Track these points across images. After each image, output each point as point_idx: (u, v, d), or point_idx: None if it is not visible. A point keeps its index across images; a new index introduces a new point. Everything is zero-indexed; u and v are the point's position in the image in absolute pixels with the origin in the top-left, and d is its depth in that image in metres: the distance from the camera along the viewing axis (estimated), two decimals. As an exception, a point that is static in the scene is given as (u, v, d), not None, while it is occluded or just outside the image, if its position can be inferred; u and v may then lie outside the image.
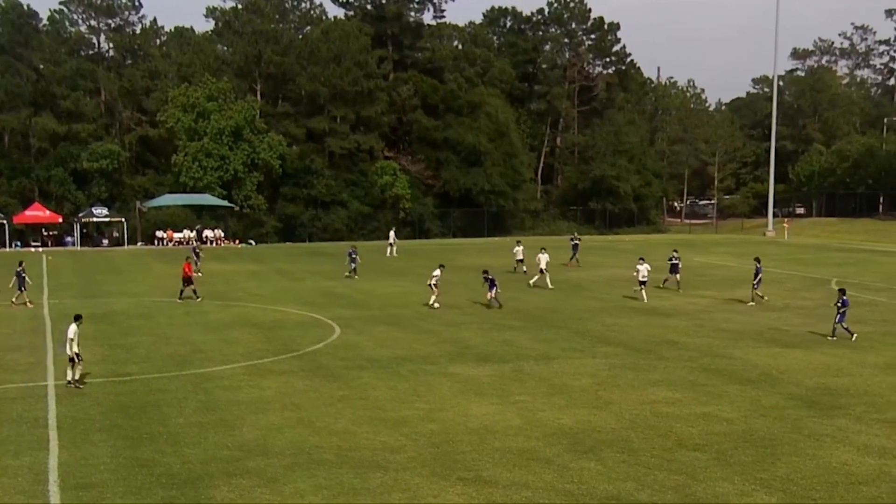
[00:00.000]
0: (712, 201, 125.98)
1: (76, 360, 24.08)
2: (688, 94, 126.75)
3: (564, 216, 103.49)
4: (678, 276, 45.96)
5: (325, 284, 48.83)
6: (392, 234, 72.74)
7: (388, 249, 69.28)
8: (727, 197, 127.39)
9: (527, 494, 16.26)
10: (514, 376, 25.58)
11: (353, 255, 52.42)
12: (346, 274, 51.97)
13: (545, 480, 16.93)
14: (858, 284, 47.92)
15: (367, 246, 79.64)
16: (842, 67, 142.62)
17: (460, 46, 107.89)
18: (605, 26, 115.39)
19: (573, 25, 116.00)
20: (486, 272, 40.96)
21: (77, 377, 24.17)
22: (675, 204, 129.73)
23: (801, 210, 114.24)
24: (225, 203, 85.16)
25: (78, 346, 24.17)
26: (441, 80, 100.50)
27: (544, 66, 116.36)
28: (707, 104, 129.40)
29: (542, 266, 47.11)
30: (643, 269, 41.99)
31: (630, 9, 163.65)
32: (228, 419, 21.02)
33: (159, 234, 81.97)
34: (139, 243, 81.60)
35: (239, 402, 22.63)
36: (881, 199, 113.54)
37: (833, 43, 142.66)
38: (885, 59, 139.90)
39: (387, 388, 24.02)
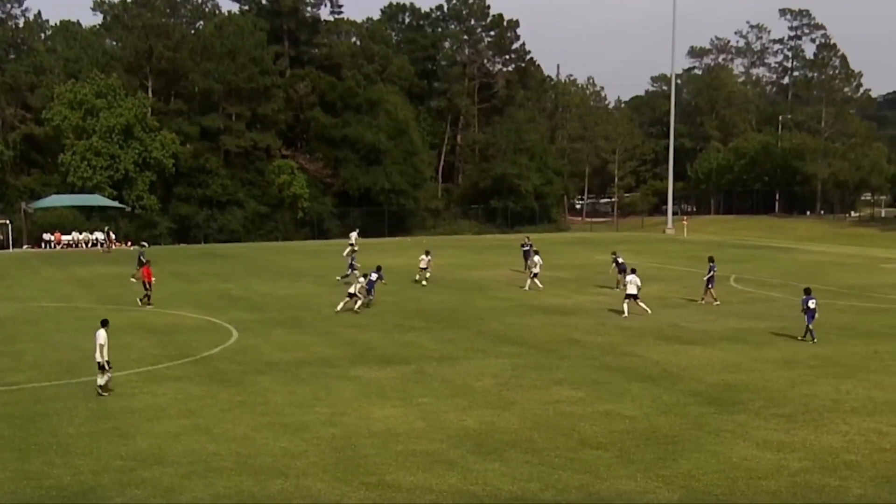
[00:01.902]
0: (613, 199, 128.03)
1: (106, 368, 23.58)
2: (587, 92, 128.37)
3: (466, 215, 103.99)
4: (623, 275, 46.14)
5: (221, 287, 48.22)
6: (354, 235, 71.41)
7: (349, 250, 67.91)
8: (627, 195, 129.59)
9: (430, 498, 16.30)
10: (416, 378, 25.62)
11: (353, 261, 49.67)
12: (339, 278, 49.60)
13: (449, 483, 16.99)
14: (756, 281, 49.20)
15: (263, 247, 78.93)
16: (738, 66, 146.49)
17: (358, 43, 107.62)
18: (505, 23, 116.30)
19: (472, 22, 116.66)
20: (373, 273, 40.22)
21: (103, 384, 23.60)
22: (576, 202, 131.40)
23: (691, 208, 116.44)
24: (116, 204, 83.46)
25: (108, 352, 23.61)
26: (339, 76, 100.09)
27: (444, 63, 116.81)
28: (607, 102, 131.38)
29: (536, 270, 46.21)
30: (633, 279, 38.11)
31: (529, 6, 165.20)
32: (122, 428, 20.61)
33: (46, 236, 79.96)
34: (25, 246, 79.49)
35: (133, 409, 22.21)
36: (777, 197, 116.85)
37: (729, 42, 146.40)
38: (780, 57, 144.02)
39: (286, 393, 23.83)
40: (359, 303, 38.57)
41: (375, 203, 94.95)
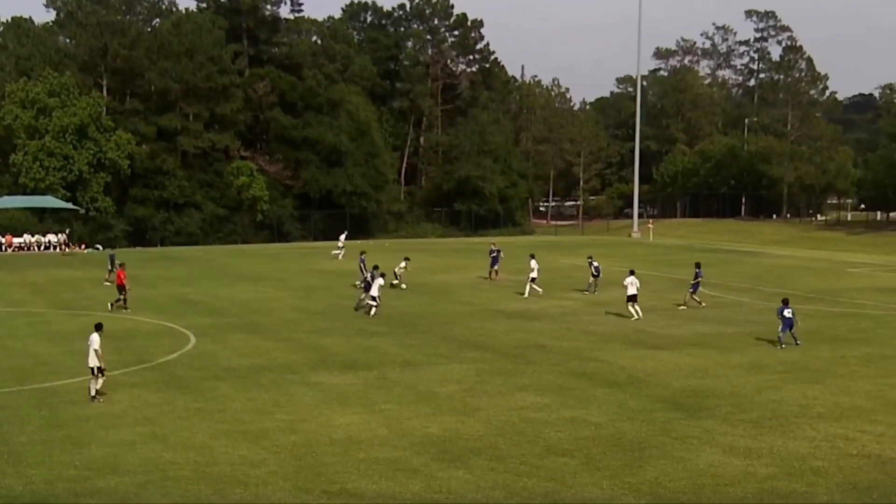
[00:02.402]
0: (578, 202, 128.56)
1: (101, 373, 23.42)
2: (552, 93, 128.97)
3: (429, 218, 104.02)
4: (597, 279, 46.55)
5: (179, 291, 47.88)
6: (343, 237, 71.54)
7: (338, 253, 67.77)
8: (592, 198, 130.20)
9: (394, 506, 16.28)
10: (379, 384, 25.55)
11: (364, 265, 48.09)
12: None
13: (412, 491, 16.96)
14: (722, 285, 49.56)
15: (222, 250, 78.51)
16: (704, 68, 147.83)
17: (319, 42, 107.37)
18: (469, 23, 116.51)
19: (435, 22, 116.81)
20: None
21: (98, 388, 23.46)
22: (541, 205, 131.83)
23: (654, 211, 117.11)
24: (69, 205, 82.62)
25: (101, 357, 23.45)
26: (299, 76, 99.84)
27: (406, 63, 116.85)
28: (572, 103, 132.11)
29: (534, 274, 45.39)
30: (632, 281, 38.33)
31: (493, 6, 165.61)
32: (76, 436, 20.39)
33: (-3, 239, 79.10)
34: (-26, 249, 78.58)
35: (87, 417, 21.98)
36: (743, 200, 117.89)
37: (695, 43, 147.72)
38: (746, 59, 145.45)
39: (246, 400, 23.69)
40: (373, 310, 38.48)
41: (337, 205, 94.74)
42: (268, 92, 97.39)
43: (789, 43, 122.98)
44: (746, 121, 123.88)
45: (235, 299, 44.44)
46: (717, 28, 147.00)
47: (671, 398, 24.00)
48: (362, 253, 49.28)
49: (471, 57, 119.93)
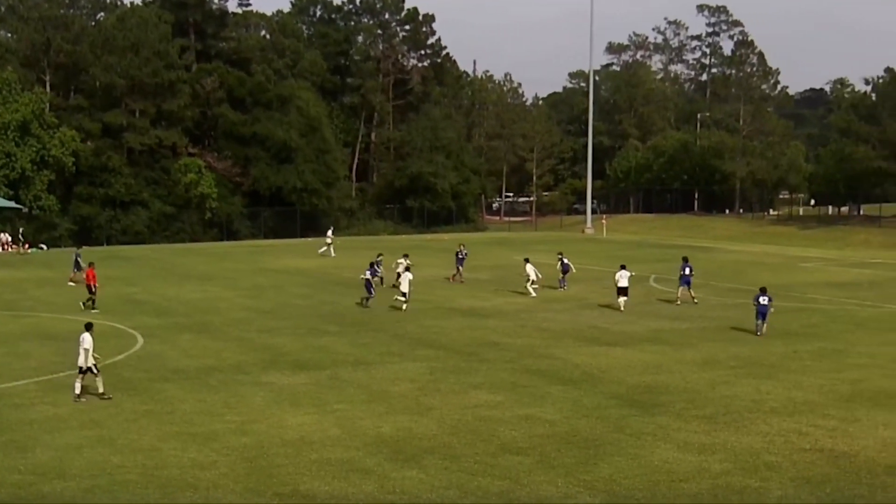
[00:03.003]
0: (531, 198, 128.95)
1: (94, 372, 23.71)
2: (505, 89, 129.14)
3: (381, 215, 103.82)
4: (566, 275, 47.00)
5: (125, 291, 47.41)
6: (330, 232, 71.37)
7: (326, 249, 67.42)
8: (546, 194, 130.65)
9: (347, 507, 16.26)
10: (331, 384, 25.50)
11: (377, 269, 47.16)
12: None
13: (366, 492, 16.95)
14: (675, 281, 49.93)
15: (169, 249, 77.86)
16: (656, 62, 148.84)
17: (268, 36, 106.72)
18: (420, 17, 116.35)
19: (386, 16, 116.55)
20: None
21: (79, 391, 23.63)
22: (494, 202, 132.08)
23: (604, 207, 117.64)
24: (12, 204, 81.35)
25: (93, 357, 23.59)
26: (248, 71, 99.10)
27: (357, 58, 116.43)
28: (524, 99, 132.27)
29: (532, 276, 44.77)
30: (623, 275, 40.06)
31: (445, 1, 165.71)
32: (20, 440, 20.14)
33: (-64, 239, 77.83)
34: (-88, 250, 77.24)
35: (31, 420, 21.73)
36: (696, 196, 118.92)
37: (647, 38, 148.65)
38: (698, 54, 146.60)
39: (195, 401, 23.54)
40: (404, 305, 39.39)
41: (287, 203, 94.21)
42: (216, 87, 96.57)
43: (741, 38, 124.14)
44: (699, 116, 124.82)
45: (183, 299, 44.11)
46: (669, 23, 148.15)
47: (625, 395, 24.18)
48: (380, 255, 48.75)
49: (422, 52, 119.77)
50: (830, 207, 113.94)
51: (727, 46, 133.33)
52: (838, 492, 17.13)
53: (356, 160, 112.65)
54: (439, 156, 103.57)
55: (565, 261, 47.40)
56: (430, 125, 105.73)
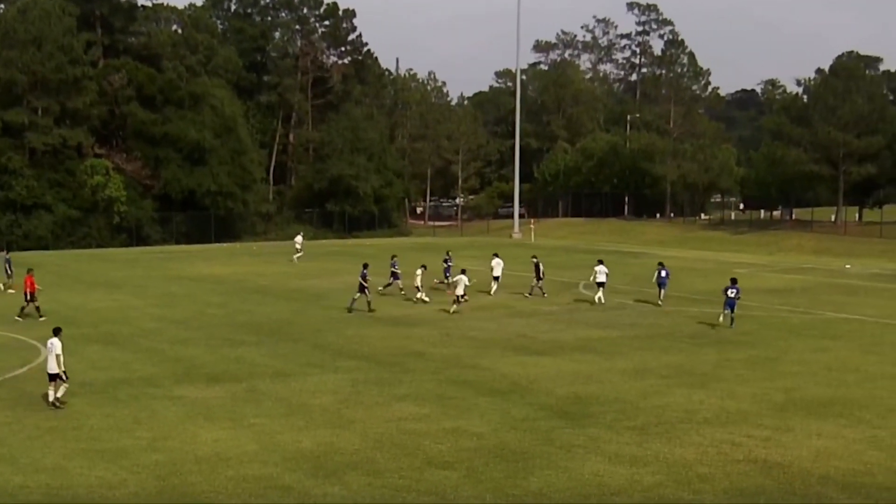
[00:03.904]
0: (457, 202, 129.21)
1: (63, 378, 24.06)
2: (428, 88, 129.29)
3: (300, 219, 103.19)
4: (541, 280, 47.66)
5: (27, 300, 46.48)
6: (300, 237, 70.59)
7: (298, 256, 66.66)
8: (472, 197, 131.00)
9: (265, 527, 16.14)
10: (247, 397, 25.31)
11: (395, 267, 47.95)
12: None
13: (285, 510, 16.86)
14: (606, 287, 50.41)
15: (75, 255, 76.64)
16: (585, 62, 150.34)
17: (180, 31, 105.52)
18: (340, 13, 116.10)
19: (305, 11, 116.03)
20: None
21: (60, 396, 24.09)
22: (418, 206, 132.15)
23: (525, 211, 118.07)
24: None
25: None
26: (159, 68, 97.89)
27: (274, 54, 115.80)
28: (449, 99, 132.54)
29: (497, 273, 48.13)
30: (601, 270, 45.04)
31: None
32: (-87, 460, 19.69)
33: None
34: None
35: (-75, 439, 21.25)
36: (626, 199, 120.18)
37: (576, 36, 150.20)
38: (627, 53, 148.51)
39: (103, 416, 23.20)
40: (453, 307, 41.21)
41: (200, 206, 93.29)
42: (124, 85, 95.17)
43: (671, 37, 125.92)
44: (628, 117, 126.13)
45: (90, 308, 43.45)
46: (598, 21, 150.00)
47: (555, 406, 24.34)
48: (394, 256, 48.41)
49: (342, 49, 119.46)
50: (762, 212, 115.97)
51: (657, 46, 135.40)
52: (772, 502, 17.42)
53: (273, 162, 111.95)
54: (361, 157, 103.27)
55: (541, 266, 47.99)
56: (351, 125, 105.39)
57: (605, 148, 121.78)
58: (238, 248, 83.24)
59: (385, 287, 47.00)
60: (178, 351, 32.36)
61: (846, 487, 18.13)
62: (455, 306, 41.27)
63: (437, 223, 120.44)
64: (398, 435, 21.53)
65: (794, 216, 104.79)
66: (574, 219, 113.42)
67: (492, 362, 30.14)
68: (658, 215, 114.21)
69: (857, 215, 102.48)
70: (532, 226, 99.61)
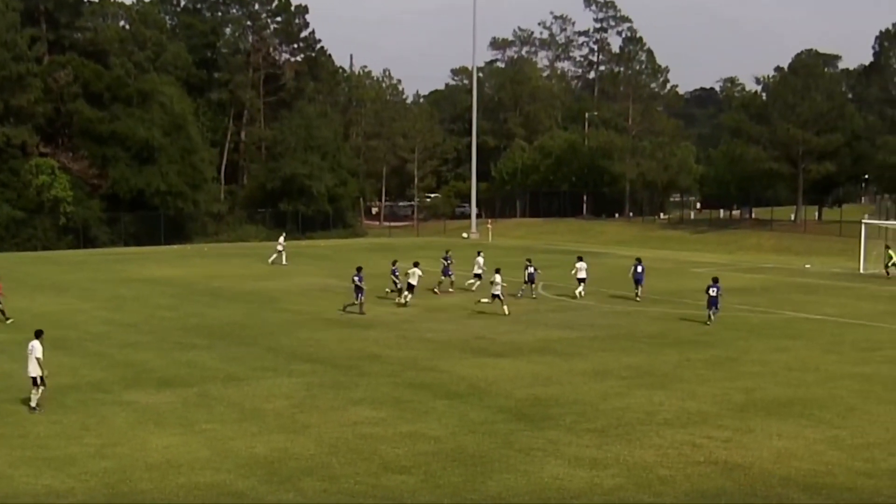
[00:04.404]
0: (413, 202, 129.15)
1: (42, 383, 24.18)
2: (383, 85, 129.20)
3: (252, 220, 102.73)
4: (534, 284, 48.31)
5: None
6: (281, 238, 70.00)
7: (277, 256, 66.06)
8: (428, 197, 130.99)
9: (218, 535, 16.07)
10: (199, 402, 25.18)
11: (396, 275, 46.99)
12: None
13: (238, 517, 16.79)
14: (565, 287, 50.62)
15: (20, 257, 75.83)
16: (542, 59, 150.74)
17: (127, 27, 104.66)
18: (293, 8, 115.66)
19: (256, 7, 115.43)
20: None
21: (36, 402, 24.18)
22: (373, 206, 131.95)
23: (480, 211, 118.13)
24: None
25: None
26: (106, 64, 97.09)
27: (225, 51, 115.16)
28: (404, 96, 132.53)
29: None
30: (581, 266, 48.14)
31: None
32: None
33: None
34: None
35: None
36: (585, 199, 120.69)
37: (533, 33, 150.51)
38: (585, 51, 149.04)
39: (49, 423, 22.98)
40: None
41: (150, 207, 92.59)
42: (70, 81, 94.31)
43: (629, 34, 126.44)
44: (587, 115, 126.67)
45: (36, 311, 42.95)
46: (556, 17, 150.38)
47: (514, 408, 24.40)
48: (394, 262, 48.01)
49: (295, 45, 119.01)
50: (722, 211, 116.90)
51: (615, 43, 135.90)
52: (733, 505, 17.60)
53: (225, 161, 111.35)
54: (314, 156, 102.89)
55: (530, 269, 48.35)
56: (305, 124, 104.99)
57: (563, 146, 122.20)
58: (189, 250, 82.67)
59: (391, 291, 46.75)
60: (127, 355, 32.12)
61: (807, 488, 18.33)
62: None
63: (392, 223, 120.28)
64: (354, 439, 21.50)
65: (753, 215, 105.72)
66: (532, 218, 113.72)
67: (450, 364, 30.17)
68: (617, 214, 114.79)
69: (816, 214, 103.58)
70: (489, 226, 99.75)
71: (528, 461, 19.90)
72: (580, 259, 49.25)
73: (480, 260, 50.87)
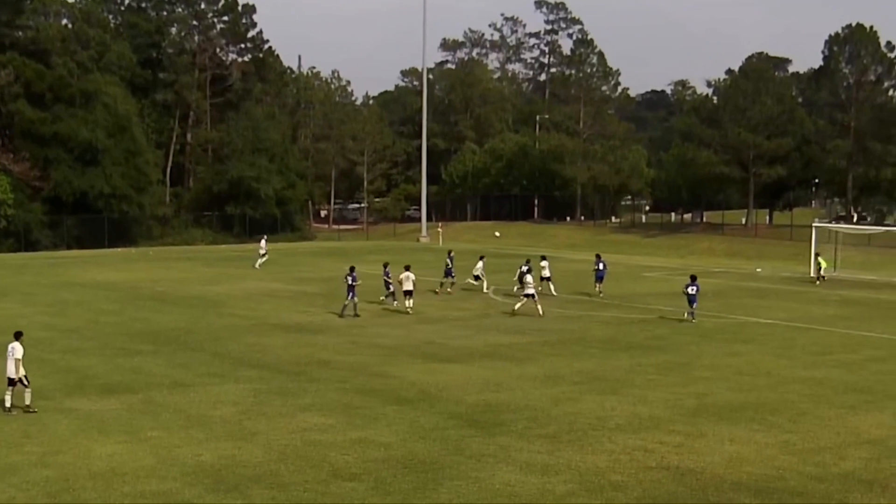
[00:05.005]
0: (362, 205, 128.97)
1: (24, 384, 24.38)
2: (332, 86, 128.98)
3: (198, 223, 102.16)
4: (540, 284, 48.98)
5: None
6: (263, 242, 69.27)
7: (261, 261, 65.68)
8: (378, 200, 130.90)
9: (164, 544, 15.93)
10: (144, 408, 24.96)
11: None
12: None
13: (185, 527, 16.67)
14: (516, 293, 50.82)
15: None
16: (493, 61, 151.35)
17: (70, 25, 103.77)
18: (240, 8, 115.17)
19: (202, 6, 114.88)
20: None
21: (14, 403, 24.38)
22: (322, 209, 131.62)
23: (416, 209, 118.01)
24: None
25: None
26: (48, 64, 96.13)
27: (170, 50, 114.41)
28: (353, 98, 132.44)
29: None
30: (545, 265, 51.05)
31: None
32: None
33: None
34: None
35: None
36: (536, 202, 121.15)
37: (483, 35, 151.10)
38: (536, 53, 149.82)
39: (-11, 431, 22.72)
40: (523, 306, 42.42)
41: (93, 210, 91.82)
42: (11, 81, 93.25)
43: (580, 36, 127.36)
44: (537, 117, 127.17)
45: (-25, 317, 42.46)
46: (506, 19, 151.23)
47: (465, 414, 24.41)
48: (386, 265, 47.63)
49: (242, 45, 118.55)
50: (673, 214, 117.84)
51: (566, 45, 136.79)
52: (685, 510, 17.72)
53: (170, 163, 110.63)
54: (262, 158, 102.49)
55: (524, 269, 48.31)
56: (252, 125, 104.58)
57: (513, 149, 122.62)
58: (133, 254, 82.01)
59: (386, 297, 46.06)
60: (69, 361, 31.79)
61: (759, 493, 18.49)
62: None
63: (342, 227, 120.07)
64: (303, 446, 21.41)
65: (705, 219, 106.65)
66: (483, 222, 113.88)
67: (400, 370, 30.14)
68: (568, 218, 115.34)
69: (767, 218, 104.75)
70: (440, 229, 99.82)
71: (479, 467, 19.91)
72: (543, 258, 52.37)
73: (480, 265, 52.38)
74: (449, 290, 51.26)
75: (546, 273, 50.87)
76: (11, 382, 24.30)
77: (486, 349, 34.13)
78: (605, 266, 50.92)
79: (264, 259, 66.56)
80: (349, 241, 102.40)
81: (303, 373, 29.75)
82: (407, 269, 43.92)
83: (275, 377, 29.08)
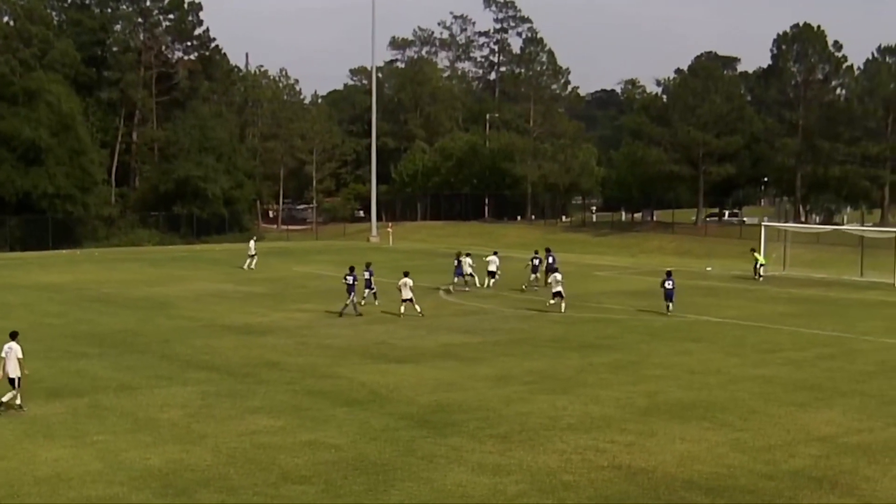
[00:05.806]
0: (311, 205, 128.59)
1: (18, 384, 24.72)
2: (280, 85, 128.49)
3: (145, 223, 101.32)
4: (537, 275, 52.76)
5: None
6: (252, 243, 68.36)
7: (251, 260, 65.18)
8: (327, 200, 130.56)
9: (111, 550, 15.81)
10: (90, 412, 24.74)
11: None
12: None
13: (132, 532, 16.54)
14: (467, 292, 50.90)
15: None
16: (442, 59, 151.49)
17: (12, 23, 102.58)
18: (186, 5, 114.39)
19: (147, 3, 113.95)
20: None
21: (7, 401, 24.62)
22: (270, 209, 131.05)
23: (361, 213, 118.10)
24: None
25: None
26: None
27: (115, 48, 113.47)
28: (302, 96, 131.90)
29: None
30: (492, 259, 53.45)
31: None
32: None
33: None
34: None
35: None
36: (486, 201, 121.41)
37: (433, 33, 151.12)
38: (486, 51, 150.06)
39: (-69, 437, 22.41)
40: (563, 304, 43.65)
41: (37, 210, 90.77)
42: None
43: (530, 35, 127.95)
44: (487, 116, 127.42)
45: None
46: (456, 17, 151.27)
47: (416, 415, 24.42)
48: (368, 265, 47.12)
49: (188, 43, 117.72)
50: (623, 213, 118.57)
51: (516, 44, 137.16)
52: (637, 509, 17.84)
53: (116, 162, 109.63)
54: (209, 158, 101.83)
55: (536, 261, 53.29)
56: (199, 124, 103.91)
57: (464, 148, 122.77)
58: (79, 255, 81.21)
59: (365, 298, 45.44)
60: (13, 365, 31.41)
61: (710, 491, 18.66)
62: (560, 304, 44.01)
63: (290, 227, 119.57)
64: (252, 449, 21.32)
65: (655, 218, 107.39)
66: (433, 221, 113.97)
67: (350, 371, 30.09)
68: (519, 217, 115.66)
69: (718, 211, 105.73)
70: (390, 229, 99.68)
71: (430, 468, 19.93)
72: (494, 253, 54.98)
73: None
74: (466, 287, 52.40)
75: (492, 268, 53.08)
76: (12, 382, 24.53)
77: (437, 349, 34.16)
78: (555, 259, 52.24)
79: (254, 259, 65.99)
80: (298, 241, 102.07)
81: (252, 374, 29.62)
82: (406, 275, 42.98)
83: (223, 379, 28.94)
